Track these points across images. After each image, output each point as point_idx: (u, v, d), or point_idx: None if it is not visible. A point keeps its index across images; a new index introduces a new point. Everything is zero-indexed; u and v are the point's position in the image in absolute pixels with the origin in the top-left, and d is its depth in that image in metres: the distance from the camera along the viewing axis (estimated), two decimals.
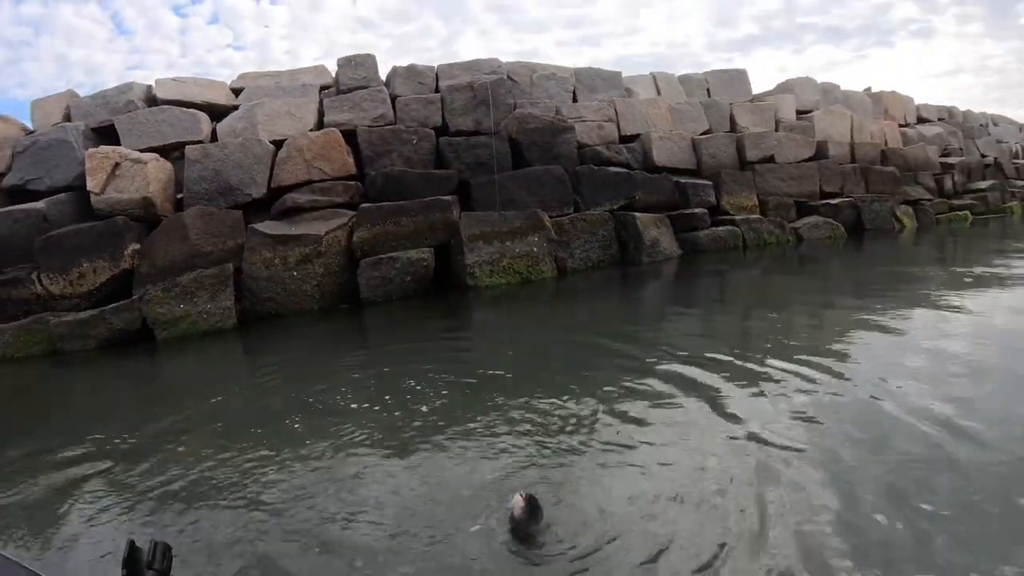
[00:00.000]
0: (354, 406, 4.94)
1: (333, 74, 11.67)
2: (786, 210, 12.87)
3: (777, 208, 12.76)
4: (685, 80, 14.73)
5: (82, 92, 11.01)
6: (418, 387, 5.15)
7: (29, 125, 10.80)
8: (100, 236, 8.93)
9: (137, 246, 8.96)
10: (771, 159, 13.38)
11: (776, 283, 9.38)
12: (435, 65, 12.05)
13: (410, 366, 5.86)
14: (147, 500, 3.61)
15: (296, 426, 4.66)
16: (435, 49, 63.66)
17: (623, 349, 5.77)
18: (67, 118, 10.60)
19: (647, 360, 5.26)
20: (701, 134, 13.29)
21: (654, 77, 14.33)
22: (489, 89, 11.37)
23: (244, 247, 9.04)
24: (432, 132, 10.91)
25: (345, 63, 11.35)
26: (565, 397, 4.48)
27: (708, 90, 14.87)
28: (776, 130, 14.16)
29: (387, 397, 5.04)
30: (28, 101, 11.19)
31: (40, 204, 9.41)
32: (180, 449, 4.54)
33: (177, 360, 7.90)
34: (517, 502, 2.55)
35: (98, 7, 53.51)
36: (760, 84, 20.50)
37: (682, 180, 12.10)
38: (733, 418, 3.75)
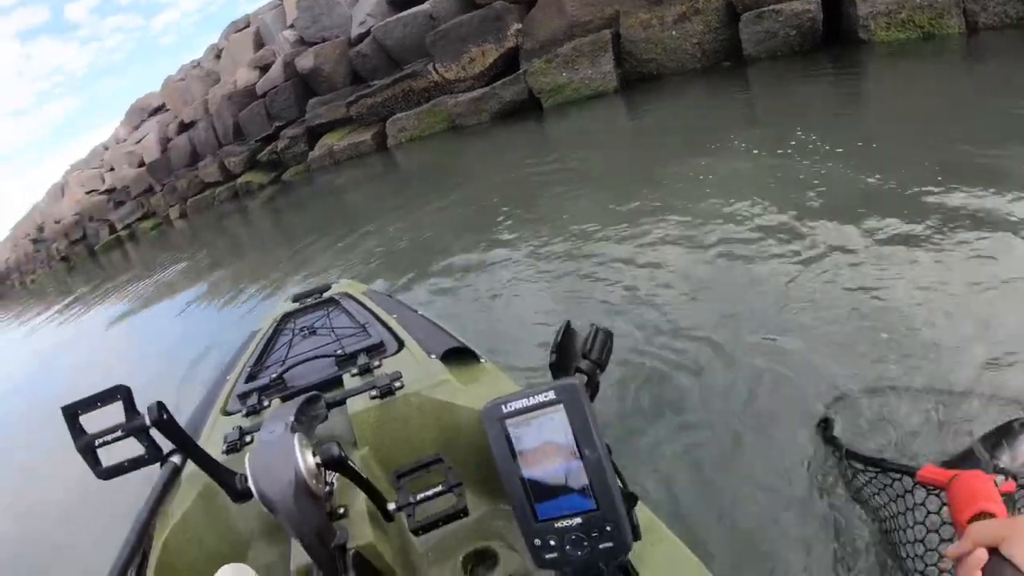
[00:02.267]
0: (746, 167, 4.17)
1: None
2: None
3: None
4: None
5: None
6: (812, 162, 3.93)
7: None
8: (483, 22, 9.38)
9: (519, 25, 9.21)
10: None
11: None
12: None
13: (797, 134, 4.65)
14: (544, 253, 3.49)
15: (680, 186, 4.06)
16: None
17: None
18: None
19: None
20: None
21: None
22: None
23: (620, 12, 8.70)
24: None
25: None
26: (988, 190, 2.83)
27: None
28: None
29: (774, 168, 4.02)
30: None
31: (425, 5, 10.18)
32: (571, 205, 4.39)
33: (562, 123, 8.00)
34: None
35: None
36: None
37: None
38: None
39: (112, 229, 19.66)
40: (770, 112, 6.33)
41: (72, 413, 0.99)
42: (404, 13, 10.37)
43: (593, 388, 0.84)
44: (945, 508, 0.94)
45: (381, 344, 1.45)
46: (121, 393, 0.99)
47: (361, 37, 10.90)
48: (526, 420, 0.72)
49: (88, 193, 21.62)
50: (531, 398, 0.72)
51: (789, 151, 4.17)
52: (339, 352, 1.43)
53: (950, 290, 2.14)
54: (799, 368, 1.95)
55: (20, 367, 7.91)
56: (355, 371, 1.31)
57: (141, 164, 18.53)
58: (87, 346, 7.34)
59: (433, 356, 1.33)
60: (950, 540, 0.95)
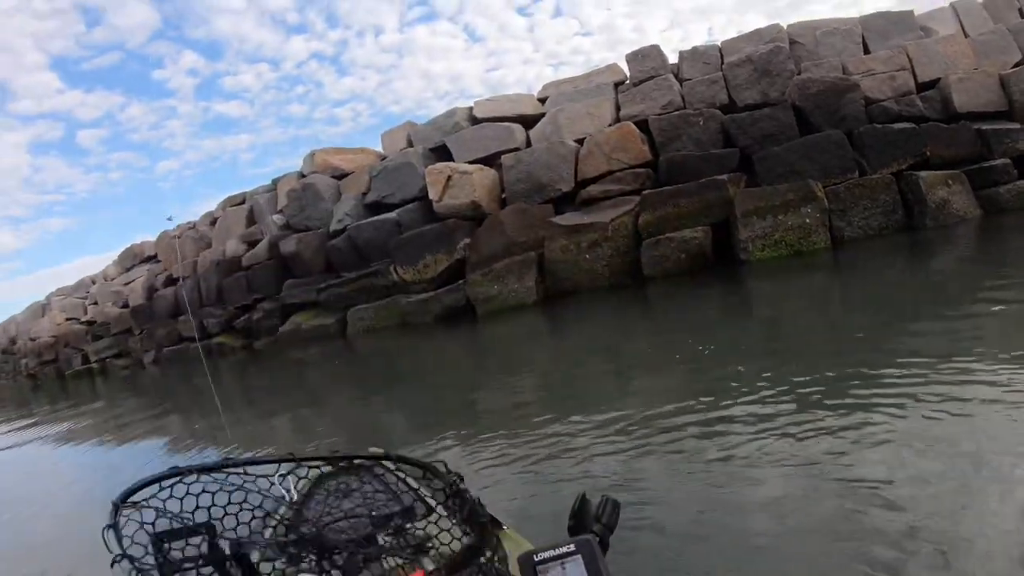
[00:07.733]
0: (647, 369, 5.76)
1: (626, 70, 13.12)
2: None
3: None
4: (991, 4, 12.71)
5: (445, 101, 14.70)
6: (706, 350, 5.61)
7: (381, 151, 14.81)
8: (439, 235, 11.92)
9: (467, 240, 11.70)
10: None
11: None
12: (719, 43, 12.63)
13: (688, 336, 6.49)
14: (514, 447, 4.14)
15: (607, 387, 5.54)
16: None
17: (879, 342, 4.97)
18: (409, 143, 14.15)
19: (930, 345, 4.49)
20: (1013, 66, 11.53)
21: (953, 7, 12.69)
22: (768, 59, 11.69)
23: (545, 237, 11.23)
24: (717, 111, 11.58)
25: (633, 58, 12.83)
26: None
27: (1021, 10, 12.60)
28: None
29: (680, 359, 5.70)
30: (402, 117, 15.31)
31: (393, 214, 12.82)
32: (518, 402, 5.52)
33: (491, 328, 10.26)
34: None
35: (449, 23, 62.60)
36: None
37: (984, 127, 10.63)
38: None
39: (85, 359, 21.40)
40: (661, 322, 8.18)
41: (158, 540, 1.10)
42: (376, 217, 12.98)
43: (604, 547, 1.10)
44: None
45: (412, 508, 1.61)
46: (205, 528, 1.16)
47: (338, 232, 13.49)
48: (552, 567, 0.99)
49: (68, 320, 23.62)
50: (556, 549, 1.00)
51: (678, 356, 5.72)
52: (373, 513, 1.57)
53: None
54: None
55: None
56: (389, 531, 1.48)
57: (125, 306, 20.69)
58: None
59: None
60: None
